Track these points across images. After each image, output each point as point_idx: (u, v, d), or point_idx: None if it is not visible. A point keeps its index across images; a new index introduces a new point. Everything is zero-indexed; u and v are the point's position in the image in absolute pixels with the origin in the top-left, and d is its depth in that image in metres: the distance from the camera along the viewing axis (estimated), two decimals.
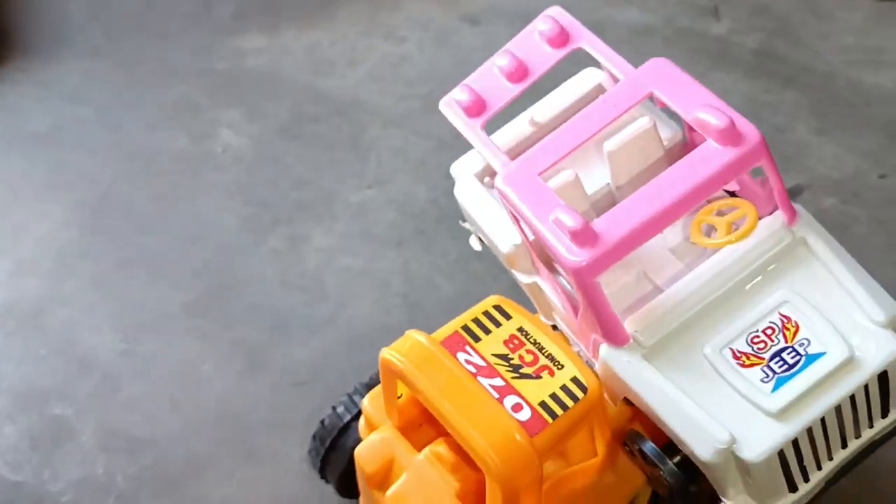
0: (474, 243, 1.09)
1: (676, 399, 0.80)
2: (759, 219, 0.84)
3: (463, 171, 1.04)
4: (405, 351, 0.91)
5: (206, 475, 1.29)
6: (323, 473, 1.18)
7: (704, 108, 0.81)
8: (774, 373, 0.79)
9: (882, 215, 1.57)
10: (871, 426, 0.83)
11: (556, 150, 0.86)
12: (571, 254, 0.78)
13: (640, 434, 0.91)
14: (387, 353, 0.92)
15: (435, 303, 1.48)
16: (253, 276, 1.51)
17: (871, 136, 1.69)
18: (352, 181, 1.66)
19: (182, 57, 1.81)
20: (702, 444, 0.78)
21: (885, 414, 0.83)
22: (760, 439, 0.77)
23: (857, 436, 0.83)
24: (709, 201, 0.92)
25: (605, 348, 0.84)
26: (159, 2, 1.94)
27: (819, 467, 0.82)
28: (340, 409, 1.14)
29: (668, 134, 0.95)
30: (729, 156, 0.79)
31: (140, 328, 1.45)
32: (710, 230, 0.86)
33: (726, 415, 0.79)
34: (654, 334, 0.82)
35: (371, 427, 1.05)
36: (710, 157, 0.79)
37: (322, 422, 1.15)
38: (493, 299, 0.99)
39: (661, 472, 0.89)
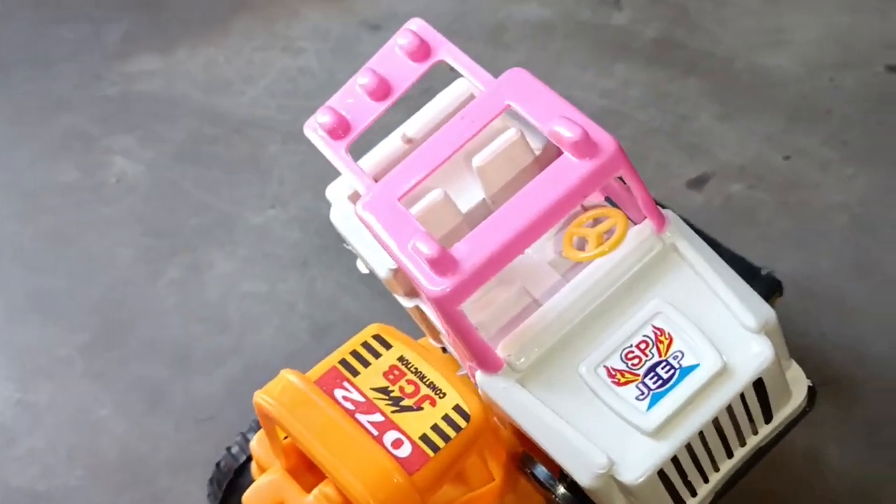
0: (360, 266, 1.05)
1: (553, 424, 0.77)
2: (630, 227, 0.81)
3: (337, 193, 1.00)
4: (276, 394, 0.87)
5: None
6: None
7: (559, 121, 0.78)
8: (649, 389, 0.76)
9: (787, 198, 1.57)
10: (755, 433, 0.81)
11: (415, 172, 0.83)
12: (430, 283, 0.75)
13: (531, 457, 0.88)
14: (258, 397, 0.88)
15: (342, 323, 1.44)
16: (151, 310, 1.46)
17: (773, 118, 1.69)
18: (253, 202, 1.61)
19: (70, 85, 1.74)
20: (580, 469, 0.76)
21: (768, 419, 0.81)
22: (639, 460, 0.75)
23: (742, 444, 0.81)
24: (584, 208, 0.89)
25: (479, 375, 0.81)
26: (46, 30, 1.87)
27: (706, 480, 0.80)
28: (235, 450, 1.10)
29: (539, 143, 0.92)
30: (585, 169, 0.76)
31: (34, 375, 1.39)
32: (582, 243, 0.83)
33: (604, 437, 0.76)
34: (527, 357, 0.79)
35: (261, 469, 1.01)
36: (566, 171, 0.76)
37: (218, 464, 1.11)
38: (372, 328, 0.95)
39: (553, 496, 0.86)
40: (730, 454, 0.80)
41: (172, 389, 1.37)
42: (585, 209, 0.88)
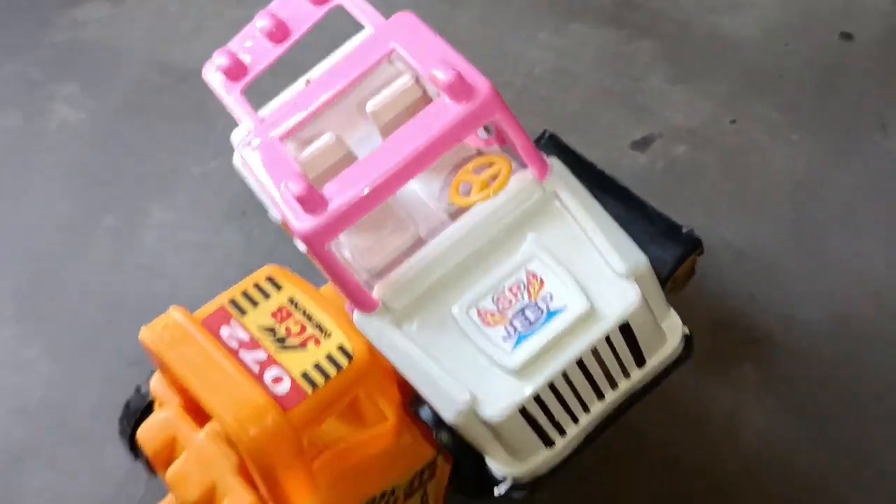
0: (272, 213, 1.05)
1: (421, 362, 0.77)
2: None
3: (240, 138, 1.00)
4: (159, 330, 0.88)
5: (26, 464, 1.24)
6: (135, 454, 1.15)
7: (436, 63, 0.77)
8: (516, 330, 0.76)
9: (731, 161, 1.56)
10: (627, 376, 0.81)
11: (298, 112, 0.82)
12: (298, 220, 0.75)
13: (420, 399, 0.89)
14: (142, 332, 0.88)
15: None
16: (87, 258, 1.46)
17: (726, 82, 1.67)
18: (196, 153, 1.60)
19: (17, 32, 1.73)
20: (444, 405, 0.76)
21: (640, 363, 0.81)
22: (500, 398, 0.75)
23: (614, 386, 0.81)
24: (481, 154, 0.89)
25: (355, 315, 0.81)
26: None
27: (575, 420, 0.80)
28: (144, 389, 1.10)
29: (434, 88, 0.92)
30: (457, 112, 0.75)
31: None
32: (469, 188, 0.83)
33: (470, 376, 0.76)
34: (403, 299, 0.79)
35: (161, 406, 1.02)
36: (441, 114, 0.76)
37: (127, 403, 1.11)
38: (265, 270, 0.95)
39: (435, 436, 0.87)
40: (601, 396, 0.80)
41: (104, 336, 1.37)
42: (481, 153, 0.88)
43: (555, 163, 0.83)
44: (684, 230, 1.22)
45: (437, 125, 0.75)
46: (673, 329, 0.83)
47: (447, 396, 0.75)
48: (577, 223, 0.80)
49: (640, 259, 0.78)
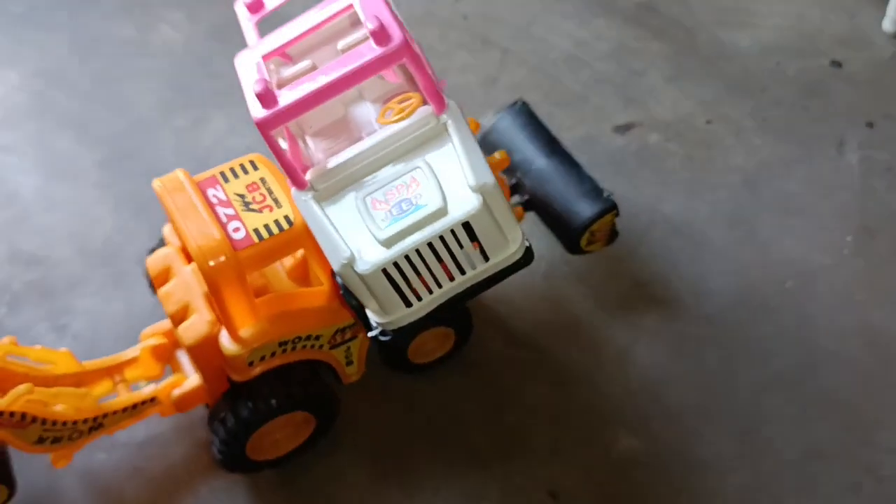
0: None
1: (326, 227, 1.08)
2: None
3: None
4: (164, 181, 1.23)
5: (79, 290, 1.64)
6: (152, 288, 1.51)
7: (371, 18, 1.07)
8: (392, 215, 1.07)
9: (695, 153, 1.80)
10: (473, 267, 1.10)
11: (279, 41, 1.15)
12: (253, 111, 1.07)
13: None
14: (154, 182, 1.24)
15: None
16: (156, 146, 1.85)
17: (713, 87, 1.90)
18: None
19: None
20: (334, 259, 1.07)
21: (486, 259, 1.10)
22: (370, 258, 1.05)
23: (462, 273, 1.10)
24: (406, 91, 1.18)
25: (293, 190, 1.13)
26: None
27: (430, 291, 1.10)
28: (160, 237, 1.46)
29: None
30: (375, 52, 1.06)
31: (59, 175, 1.80)
32: (391, 115, 1.13)
33: (355, 241, 1.07)
34: (323, 182, 1.11)
35: (166, 245, 1.38)
36: (363, 52, 1.06)
37: (152, 249, 1.47)
38: (250, 156, 1.29)
39: (343, 295, 1.19)
40: (451, 277, 1.10)
41: (152, 205, 1.75)
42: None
43: (452, 105, 1.12)
44: (605, 194, 1.49)
45: (359, 60, 1.05)
46: (515, 240, 1.11)
47: (336, 251, 1.06)
48: (454, 148, 1.09)
49: (487, 179, 1.06)
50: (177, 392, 1.34)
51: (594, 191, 1.48)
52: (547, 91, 1.90)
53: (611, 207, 1.47)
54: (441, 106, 1.11)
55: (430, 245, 1.06)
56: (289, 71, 1.18)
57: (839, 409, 1.45)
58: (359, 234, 1.08)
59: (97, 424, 1.30)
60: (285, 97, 1.07)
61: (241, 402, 1.27)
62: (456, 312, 1.41)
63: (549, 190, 1.51)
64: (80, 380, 1.34)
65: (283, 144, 1.19)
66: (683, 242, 1.66)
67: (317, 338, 1.29)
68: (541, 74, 1.94)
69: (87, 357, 1.38)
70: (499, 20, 2.04)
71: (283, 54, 1.25)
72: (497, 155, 1.42)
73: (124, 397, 1.33)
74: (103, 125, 1.88)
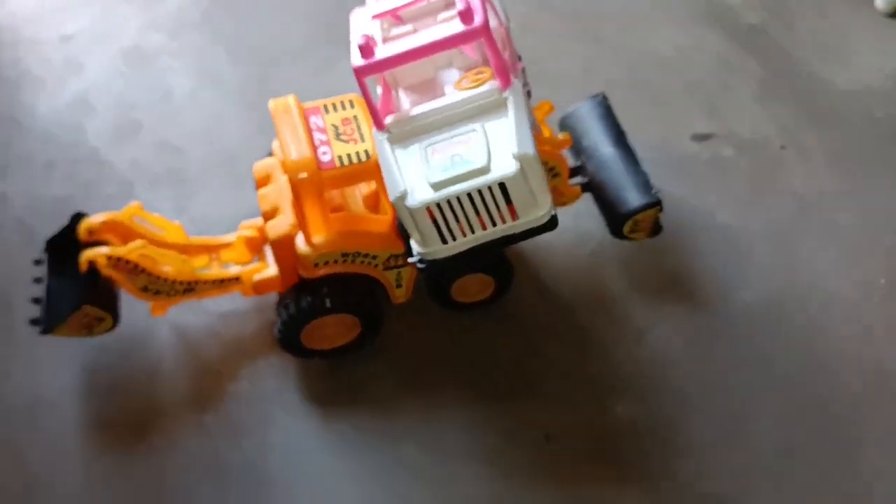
0: None
1: (391, 164, 1.32)
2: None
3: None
4: (276, 103, 1.49)
5: (203, 181, 1.95)
6: None
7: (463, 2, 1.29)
8: (445, 165, 1.29)
9: (761, 173, 1.93)
10: (504, 222, 1.32)
11: (389, 4, 1.39)
12: (353, 59, 1.31)
13: None
14: (270, 102, 1.51)
15: None
16: (292, 73, 2.13)
17: (797, 115, 2.02)
18: None
19: None
20: (392, 190, 1.30)
21: (515, 218, 1.32)
22: (420, 196, 1.28)
23: (494, 225, 1.32)
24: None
25: (374, 130, 1.37)
26: None
27: (464, 235, 1.33)
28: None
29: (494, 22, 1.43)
30: (458, 29, 1.28)
31: (207, 83, 2.12)
32: (467, 83, 1.36)
33: (413, 180, 1.30)
34: (398, 128, 1.34)
35: (271, 156, 1.66)
36: (451, 27, 1.29)
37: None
38: (350, 95, 1.54)
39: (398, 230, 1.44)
40: (484, 227, 1.32)
41: None
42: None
43: (516, 83, 1.33)
44: (654, 190, 1.67)
45: (444, 33, 1.28)
46: (544, 206, 1.31)
47: (395, 185, 1.29)
48: (510, 120, 1.30)
49: (528, 150, 1.26)
50: (257, 277, 1.62)
51: (645, 185, 1.66)
52: (638, 89, 2.06)
53: (655, 203, 1.64)
54: (506, 83, 1.32)
55: (469, 195, 1.28)
56: (393, 31, 1.42)
57: (825, 419, 1.59)
58: (416, 176, 1.31)
59: (190, 288, 1.60)
60: (380, 51, 1.31)
61: (304, 295, 1.54)
62: (490, 259, 1.63)
63: (605, 176, 1.69)
64: (185, 250, 1.64)
65: (379, 90, 1.44)
66: (728, 250, 1.81)
67: (374, 257, 1.54)
68: (635, 73, 2.10)
69: (195, 234, 1.69)
70: (608, 16, 2.21)
71: (395, 16, 1.49)
72: (560, 136, 1.62)
73: (215, 272, 1.62)
74: (253, 47, 2.18)
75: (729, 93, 2.06)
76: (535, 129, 1.42)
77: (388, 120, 1.35)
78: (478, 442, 1.58)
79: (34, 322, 1.53)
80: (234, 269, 1.63)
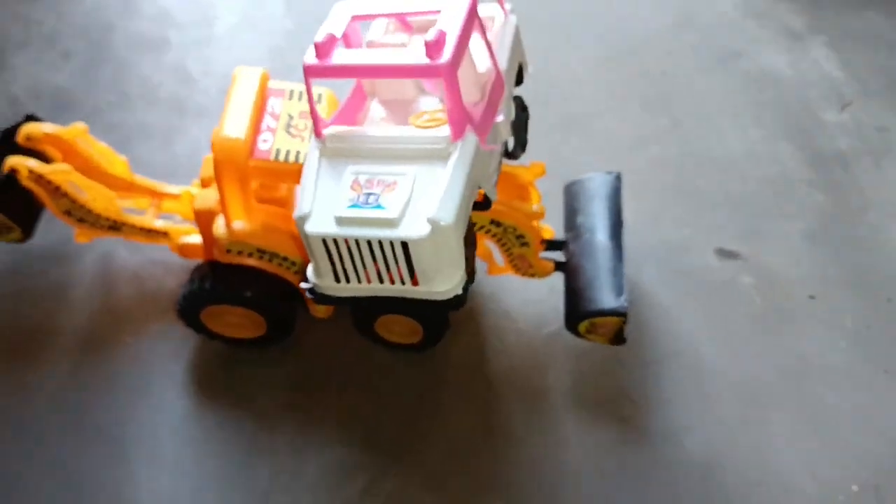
0: None
1: (311, 180, 1.19)
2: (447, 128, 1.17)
3: None
4: (244, 71, 1.38)
5: (207, 119, 1.87)
6: None
7: (438, 28, 1.13)
8: (358, 200, 1.15)
9: (772, 318, 1.68)
10: (403, 284, 1.17)
11: (375, 9, 1.24)
12: (307, 56, 1.18)
13: None
14: (236, 69, 1.39)
15: None
16: None
17: (844, 268, 1.74)
18: None
19: None
20: (297, 207, 1.18)
21: (415, 283, 1.16)
22: (319, 225, 1.15)
23: (392, 283, 1.17)
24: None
25: (311, 139, 1.23)
26: None
27: (359, 280, 1.18)
28: None
29: (484, 68, 1.27)
30: (417, 60, 1.12)
31: (249, 20, 2.03)
32: (424, 120, 1.21)
33: (321, 205, 1.16)
34: (334, 143, 1.20)
35: None
36: (412, 55, 1.13)
37: None
38: (326, 90, 1.41)
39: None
40: (381, 280, 1.17)
41: None
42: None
43: (469, 138, 1.17)
44: (623, 297, 1.47)
45: (401, 59, 1.12)
46: (450, 281, 1.16)
47: (301, 203, 1.17)
48: (444, 177, 1.14)
49: (444, 218, 1.10)
50: (184, 239, 1.52)
51: (618, 288, 1.47)
52: (682, 181, 1.85)
53: (621, 312, 1.45)
54: (458, 134, 1.16)
55: (368, 243, 1.14)
56: (386, 38, 1.28)
57: None
58: (328, 200, 1.17)
59: (116, 226, 1.52)
60: (338, 56, 1.17)
61: (208, 276, 1.44)
62: (407, 310, 1.46)
63: (583, 263, 1.51)
64: (128, 187, 1.56)
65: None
66: (692, 387, 1.60)
67: (292, 263, 1.42)
68: (686, 163, 1.88)
69: (172, 172, 1.59)
70: (690, 95, 1.99)
71: (404, 21, 1.34)
72: (538, 207, 1.45)
73: (144, 219, 1.54)
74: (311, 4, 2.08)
75: (779, 219, 1.82)
76: (490, 188, 1.26)
77: (329, 130, 1.22)
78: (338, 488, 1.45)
79: None
80: (163, 224, 1.54)
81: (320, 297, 1.24)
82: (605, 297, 1.47)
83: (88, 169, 1.50)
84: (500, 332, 1.63)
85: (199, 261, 1.54)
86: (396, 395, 1.54)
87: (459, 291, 1.17)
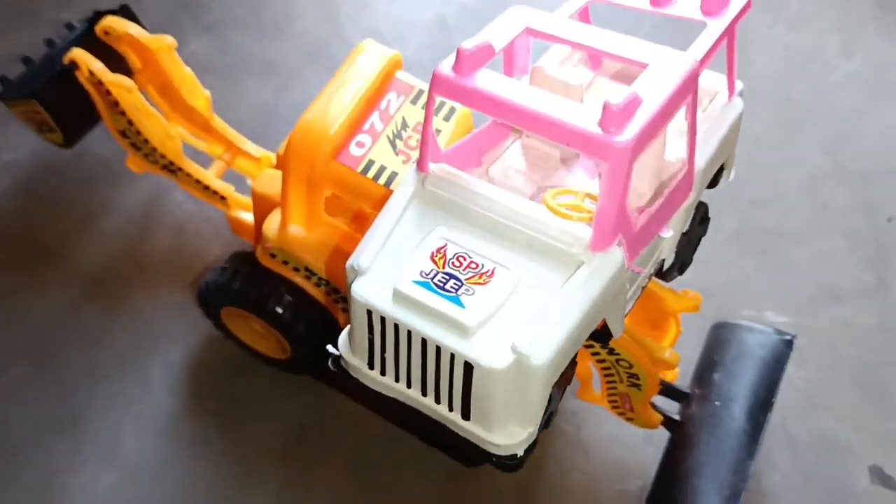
0: None
1: (386, 223, 0.86)
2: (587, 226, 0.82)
3: None
4: (368, 48, 1.05)
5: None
6: None
7: (632, 94, 0.78)
8: (431, 280, 0.81)
9: None
10: (451, 410, 0.83)
11: (573, 36, 0.88)
12: (443, 63, 0.83)
13: None
14: (364, 42, 1.07)
15: None
16: None
17: None
18: None
19: None
20: (354, 255, 0.85)
21: (465, 417, 0.82)
22: (370, 290, 0.82)
23: (438, 402, 0.83)
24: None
25: (411, 169, 0.90)
26: None
27: (397, 379, 0.85)
28: None
29: (674, 157, 0.91)
30: (582, 128, 0.77)
31: None
32: (566, 201, 0.85)
33: (387, 264, 0.83)
34: (435, 186, 0.87)
35: None
36: (581, 114, 0.78)
37: None
38: (463, 107, 1.07)
39: None
40: (424, 391, 0.84)
41: None
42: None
43: (615, 253, 0.81)
44: None
45: (566, 118, 0.77)
46: (514, 435, 0.81)
47: (361, 251, 0.84)
48: (559, 292, 0.79)
49: (538, 357, 0.76)
50: (236, 212, 1.23)
51: (731, 496, 1.08)
52: (868, 358, 1.42)
53: None
54: (601, 243, 0.81)
55: (423, 340, 0.80)
56: (556, 68, 0.93)
57: None
58: (395, 260, 0.84)
59: (171, 168, 1.25)
60: (478, 79, 0.83)
61: (241, 274, 1.14)
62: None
63: (700, 436, 1.13)
64: (206, 127, 1.28)
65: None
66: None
67: (344, 298, 1.10)
68: (886, 341, 1.45)
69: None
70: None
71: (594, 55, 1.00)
72: (670, 356, 1.07)
73: (207, 172, 1.25)
74: None
75: None
76: (618, 321, 0.90)
77: (438, 167, 0.88)
78: None
79: (1, 80, 1.25)
80: (223, 187, 1.25)
81: (345, 374, 0.91)
82: (710, 500, 1.08)
83: (165, 91, 1.23)
84: (564, 467, 1.27)
85: (244, 247, 1.25)
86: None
87: (520, 452, 0.83)
